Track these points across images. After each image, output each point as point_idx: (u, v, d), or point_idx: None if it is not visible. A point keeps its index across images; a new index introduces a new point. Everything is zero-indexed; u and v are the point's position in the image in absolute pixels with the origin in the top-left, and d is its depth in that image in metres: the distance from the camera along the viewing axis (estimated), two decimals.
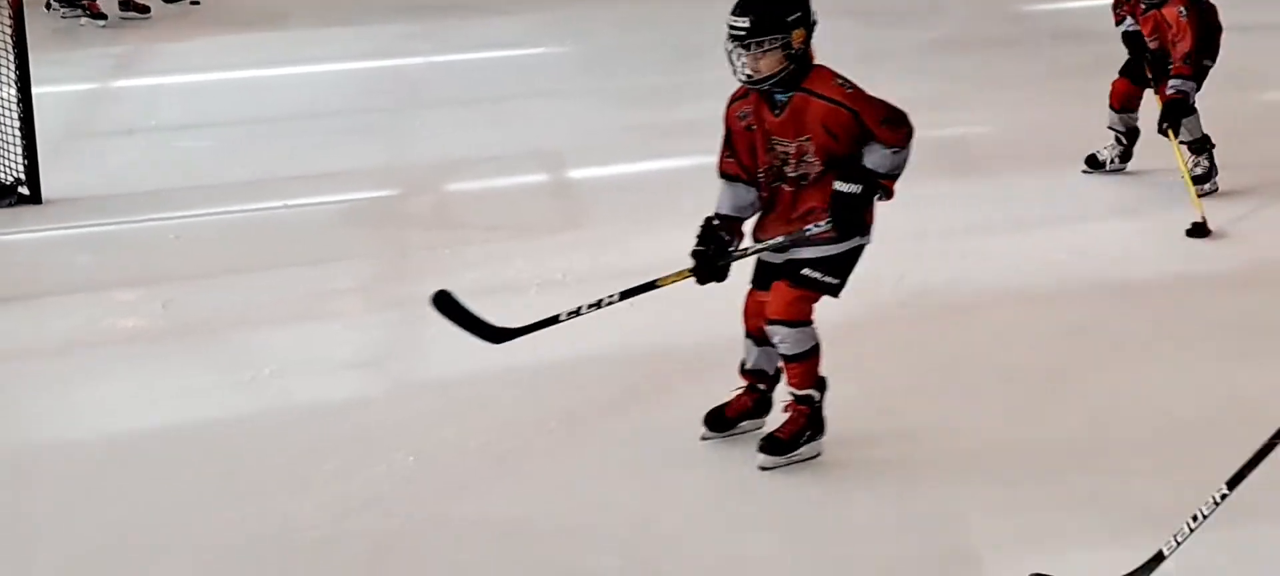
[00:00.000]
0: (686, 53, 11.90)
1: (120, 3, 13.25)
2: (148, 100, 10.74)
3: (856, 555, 4.76)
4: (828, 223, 5.17)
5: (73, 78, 11.10)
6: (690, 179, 8.64)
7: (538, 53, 12.26)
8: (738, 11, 5.21)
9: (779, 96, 5.23)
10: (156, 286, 7.09)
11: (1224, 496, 4.36)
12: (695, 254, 5.32)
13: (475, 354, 6.26)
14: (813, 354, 5.33)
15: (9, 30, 8.20)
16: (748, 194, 5.34)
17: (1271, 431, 4.34)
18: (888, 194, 5.29)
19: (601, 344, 6.34)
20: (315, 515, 5.01)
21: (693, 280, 5.34)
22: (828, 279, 5.27)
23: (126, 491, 5.24)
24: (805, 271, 5.24)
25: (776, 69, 5.17)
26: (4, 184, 8.33)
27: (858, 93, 5.21)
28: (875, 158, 5.16)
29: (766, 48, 5.12)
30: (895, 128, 5.18)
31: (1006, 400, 5.78)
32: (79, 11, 13.02)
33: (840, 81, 5.23)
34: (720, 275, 5.31)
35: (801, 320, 5.28)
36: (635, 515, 4.99)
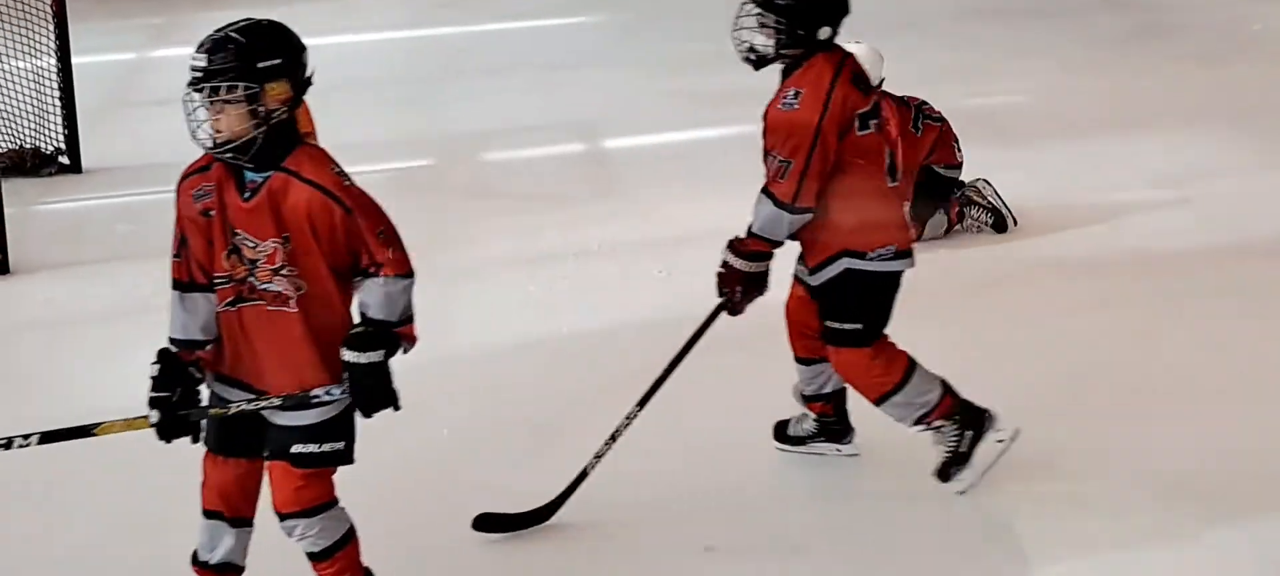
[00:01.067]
0: (725, 20, 11.87)
1: None
2: (184, 68, 10.78)
3: (894, 522, 4.78)
4: (343, 393, 4.01)
5: (112, 47, 11.16)
6: (728, 148, 8.67)
7: (575, 21, 12.26)
8: (199, 47, 3.97)
9: (250, 176, 3.95)
10: None
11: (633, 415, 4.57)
12: (156, 402, 4.07)
13: (508, 327, 6.31)
14: (348, 539, 4.22)
15: (49, 1, 8.24)
16: (211, 307, 4.05)
17: None
18: (410, 344, 4.14)
19: (634, 315, 6.36)
20: (351, 484, 5.04)
21: (154, 434, 4.10)
22: (331, 447, 4.10)
23: (166, 459, 5.27)
24: (297, 450, 4.04)
25: (238, 132, 3.86)
26: (44, 153, 8.38)
27: (359, 191, 4.06)
28: (377, 299, 4.01)
29: (225, 98, 3.84)
30: (397, 248, 4.11)
31: (1040, 371, 5.78)
32: None
33: (337, 170, 4.04)
34: (190, 431, 4.09)
35: (319, 503, 4.14)
36: (670, 486, 5.01)
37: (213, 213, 3.95)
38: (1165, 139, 8.57)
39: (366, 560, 4.29)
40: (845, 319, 4.77)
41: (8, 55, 8.13)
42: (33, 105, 8.31)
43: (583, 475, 4.84)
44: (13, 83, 8.23)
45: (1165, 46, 10.87)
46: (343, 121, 9.33)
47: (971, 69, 10.19)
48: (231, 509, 4.16)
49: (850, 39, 5.04)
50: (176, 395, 4.03)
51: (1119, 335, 6.13)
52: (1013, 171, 8.10)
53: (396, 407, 4.03)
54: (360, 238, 3.95)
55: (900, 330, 6.11)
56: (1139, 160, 8.25)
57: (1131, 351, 5.97)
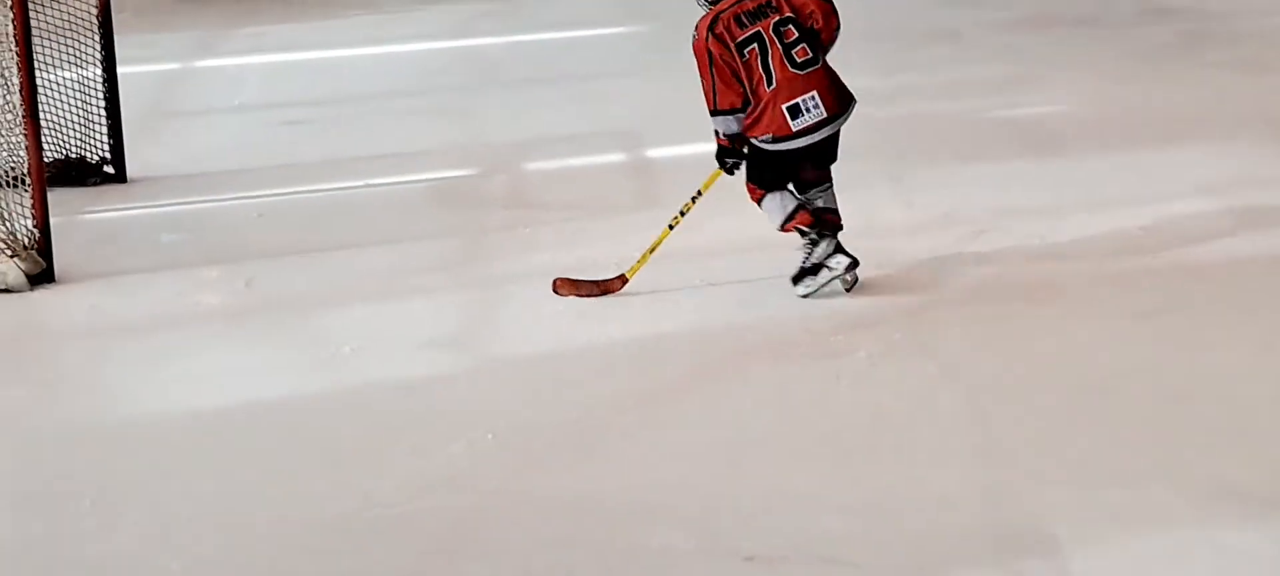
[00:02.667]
0: None
1: None
2: (231, 80, 10.87)
3: (933, 530, 4.77)
4: None
5: (157, 58, 11.24)
6: None
7: (616, 32, 12.30)
8: None
9: None
10: (239, 264, 7.17)
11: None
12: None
13: (552, 333, 6.33)
14: None
15: (96, 11, 8.30)
16: None
17: None
18: None
19: (677, 324, 6.38)
20: (394, 492, 5.07)
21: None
22: None
23: (209, 466, 5.32)
24: None
25: None
26: (90, 163, 8.44)
27: None
28: None
29: None
30: None
31: (1083, 379, 5.76)
32: None
33: None
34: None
35: None
36: (710, 494, 5.01)
37: None
38: (1208, 148, 8.54)
39: (409, 562, 4.29)
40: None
41: (54, 66, 8.19)
42: (78, 115, 8.37)
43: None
44: (59, 93, 8.28)
45: (1207, 56, 10.84)
46: (384, 132, 9.42)
47: (1012, 80, 10.18)
48: None
49: None
50: None
51: (1161, 343, 6.10)
52: (1054, 181, 8.09)
53: None
54: None
55: (942, 334, 6.11)
56: (1181, 169, 8.21)
57: (1174, 359, 5.95)
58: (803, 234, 6.54)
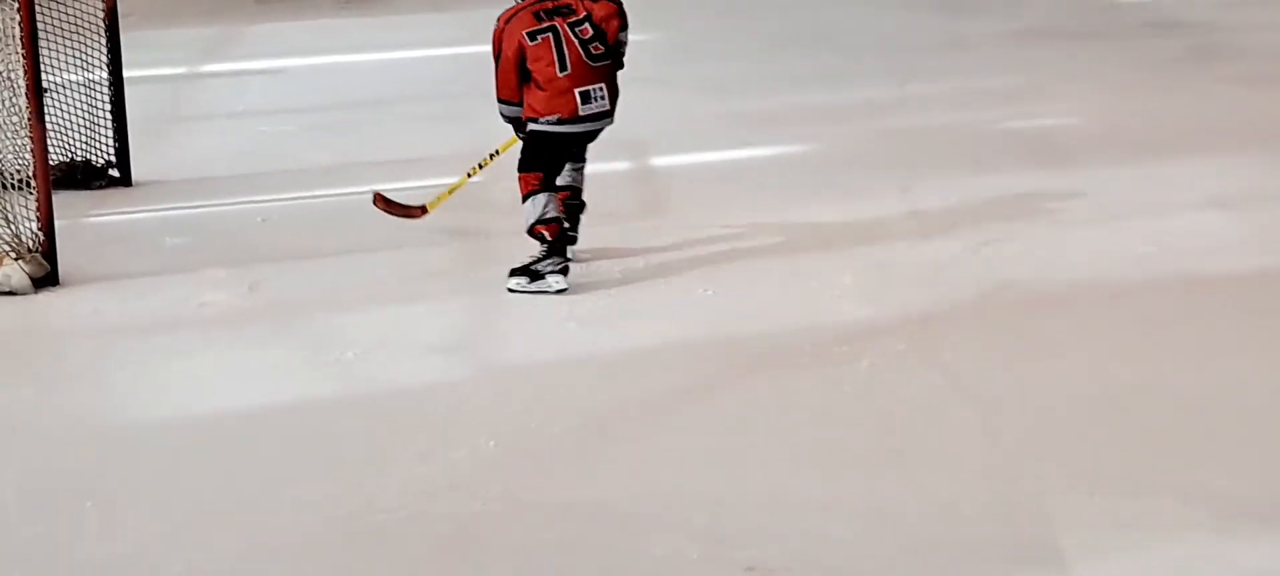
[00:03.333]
0: (773, 41, 11.91)
1: None
2: (236, 84, 10.86)
3: (938, 541, 4.75)
4: None
5: (163, 61, 11.24)
6: (775, 168, 8.68)
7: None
8: None
9: None
10: (244, 268, 7.16)
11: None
12: None
13: (556, 340, 6.31)
14: None
15: (102, 14, 8.29)
16: None
17: None
18: None
19: (681, 333, 6.36)
20: (397, 497, 5.05)
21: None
22: None
23: (213, 469, 5.31)
24: None
25: None
26: (95, 166, 8.43)
27: None
28: None
29: None
30: None
31: (1090, 392, 5.74)
32: None
33: None
34: None
35: None
36: (713, 502, 4.99)
37: None
38: (1217, 160, 8.52)
39: (412, 567, 4.27)
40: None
41: (60, 68, 8.18)
42: (84, 118, 8.36)
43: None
44: (65, 96, 8.28)
45: (1216, 69, 10.82)
46: (391, 136, 9.41)
47: (1022, 92, 10.16)
48: None
49: None
50: None
51: (1171, 354, 6.08)
52: (1062, 193, 8.07)
53: None
54: None
55: (949, 345, 6.09)
56: (1190, 181, 8.19)
57: (1184, 371, 5.93)
58: (542, 241, 6.93)
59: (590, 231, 7.56)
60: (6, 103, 7.16)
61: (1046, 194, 8.05)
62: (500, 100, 7.09)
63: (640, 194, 8.35)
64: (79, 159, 8.41)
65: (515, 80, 6.98)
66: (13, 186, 7.14)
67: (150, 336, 6.48)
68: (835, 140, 9.14)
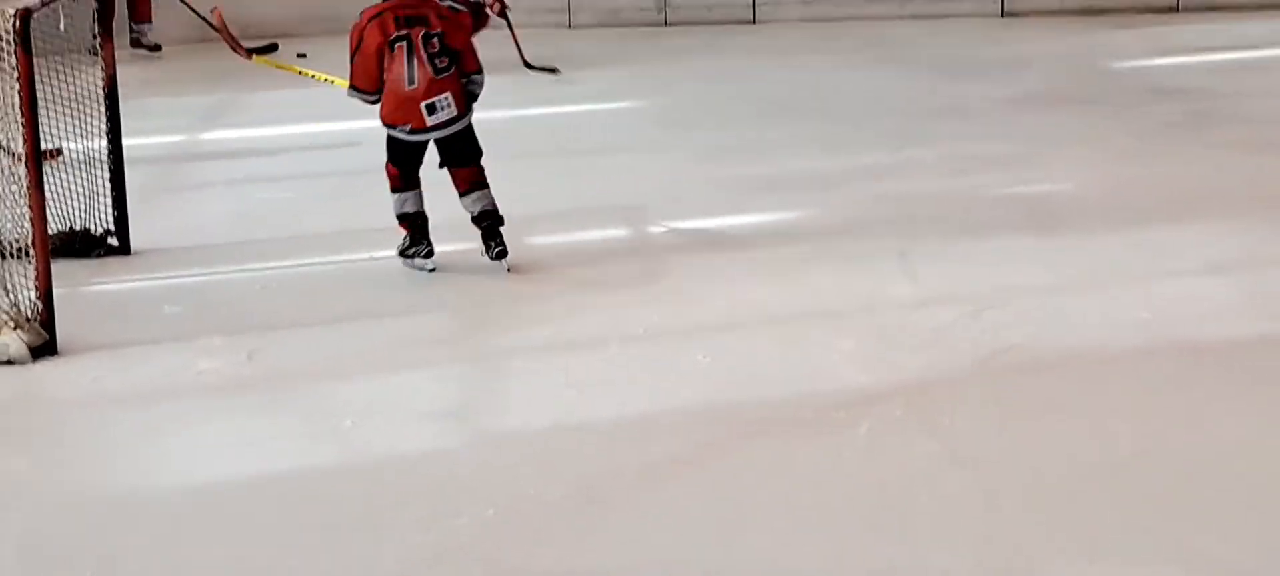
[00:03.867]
0: (769, 108, 11.93)
1: (132, 40, 13.65)
2: (237, 151, 10.88)
3: None
4: None
5: (163, 129, 11.25)
6: (771, 234, 8.68)
7: (619, 107, 12.33)
8: None
9: None
10: (242, 336, 7.16)
11: None
12: None
13: (554, 406, 6.31)
14: None
15: (102, 83, 8.32)
16: None
17: None
18: None
19: (679, 398, 6.36)
20: (395, 566, 5.04)
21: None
22: None
23: (211, 538, 5.30)
24: None
25: None
26: (94, 235, 8.44)
27: None
28: None
29: None
30: None
31: (1089, 458, 5.73)
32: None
33: None
34: None
35: None
36: (712, 569, 4.98)
37: None
38: (1214, 226, 8.53)
39: None
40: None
41: (60, 137, 8.19)
42: (83, 187, 8.37)
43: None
44: (64, 165, 8.29)
45: (1214, 135, 10.84)
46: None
47: (1019, 157, 10.18)
48: None
49: None
50: None
51: (1168, 420, 6.08)
52: (1059, 258, 8.08)
53: None
54: None
55: (945, 411, 6.09)
56: (1188, 247, 8.20)
57: (1181, 437, 5.92)
58: (406, 230, 8.09)
59: (587, 297, 7.59)
60: (6, 171, 7.19)
61: (1044, 259, 8.06)
62: (354, 87, 7.89)
63: (637, 261, 8.35)
64: (78, 227, 8.42)
65: (376, 71, 7.75)
66: (11, 255, 7.14)
67: (149, 405, 6.48)
68: (832, 205, 9.15)
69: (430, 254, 8.01)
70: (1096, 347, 6.84)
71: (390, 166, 7.98)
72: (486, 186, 8.01)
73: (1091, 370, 6.61)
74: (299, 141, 11.24)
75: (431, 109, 7.78)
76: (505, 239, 8.01)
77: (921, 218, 8.81)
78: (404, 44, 7.71)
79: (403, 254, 8.08)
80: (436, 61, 7.75)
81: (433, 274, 7.97)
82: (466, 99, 7.91)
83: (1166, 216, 8.71)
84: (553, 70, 12.93)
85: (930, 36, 14.61)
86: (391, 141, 7.91)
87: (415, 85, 7.72)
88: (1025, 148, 10.44)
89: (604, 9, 15.33)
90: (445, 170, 8.05)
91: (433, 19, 7.79)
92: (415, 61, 7.72)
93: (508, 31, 12.55)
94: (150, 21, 14.08)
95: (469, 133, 7.97)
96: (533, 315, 7.40)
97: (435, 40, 7.75)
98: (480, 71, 8.01)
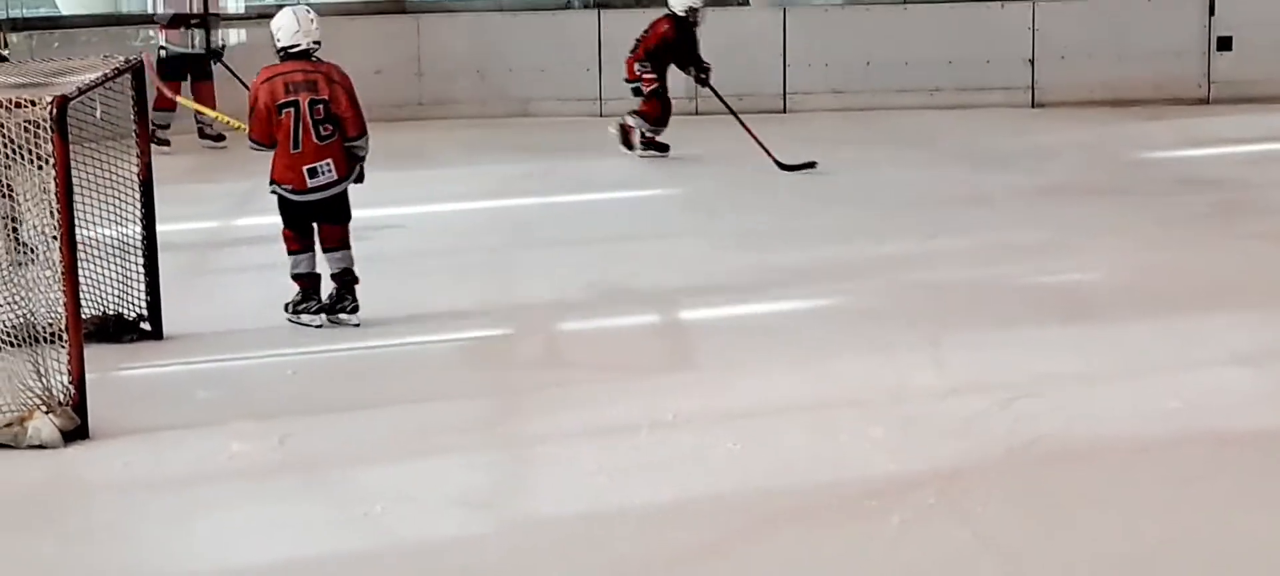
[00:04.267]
0: (799, 195, 11.97)
1: (198, 131, 13.78)
2: (269, 237, 10.92)
3: None
4: None
5: (196, 215, 11.33)
6: (802, 321, 8.70)
7: (650, 194, 12.37)
8: None
9: None
10: (273, 421, 7.18)
11: None
12: None
13: (583, 494, 6.30)
14: None
15: (137, 171, 8.40)
16: None
17: None
18: None
19: (708, 486, 6.35)
20: None
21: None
22: None
23: None
24: None
25: None
26: (127, 320, 8.49)
27: None
28: None
29: None
30: None
31: (1121, 548, 5.71)
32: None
33: None
34: None
35: None
36: None
37: None
38: (1244, 316, 8.51)
39: None
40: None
41: (94, 223, 8.25)
42: (117, 272, 8.43)
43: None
44: (99, 250, 8.35)
45: (1243, 226, 10.83)
46: (422, 291, 9.47)
47: (1047, 246, 10.18)
48: None
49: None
50: None
51: (1199, 511, 6.05)
52: (1089, 347, 8.07)
53: None
54: None
55: (976, 501, 6.07)
56: (1217, 337, 8.18)
57: (1213, 527, 5.89)
58: (299, 287, 8.65)
59: (617, 384, 7.59)
60: (41, 257, 7.24)
61: (1074, 348, 8.05)
62: (252, 140, 8.54)
63: (668, 347, 8.37)
64: (111, 312, 8.48)
65: (267, 127, 8.42)
66: (45, 340, 7.18)
67: (180, 490, 6.49)
68: (862, 293, 9.16)
69: (320, 311, 8.58)
70: (1127, 437, 6.82)
71: (286, 232, 8.56)
72: (349, 247, 8.65)
73: (1122, 460, 6.58)
74: None
75: (312, 172, 8.41)
76: (358, 297, 8.65)
77: (951, 306, 8.81)
78: (292, 110, 8.34)
79: (294, 310, 8.58)
80: (320, 128, 8.38)
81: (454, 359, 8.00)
82: (349, 162, 8.52)
83: (1196, 306, 8.70)
84: (811, 165, 12.78)
85: (960, 125, 14.65)
86: (282, 203, 8.50)
87: (299, 149, 8.37)
88: (1055, 237, 10.44)
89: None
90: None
91: (321, 85, 8.41)
92: (301, 126, 8.35)
93: (746, 133, 12.71)
94: (173, 109, 14.10)
95: (344, 196, 8.58)
96: (563, 400, 7.41)
97: (320, 107, 8.37)
98: (363, 135, 8.55)
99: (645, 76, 13.02)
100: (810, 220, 11.15)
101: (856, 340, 8.22)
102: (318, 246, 8.66)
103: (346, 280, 8.64)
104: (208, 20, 14.25)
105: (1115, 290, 9.21)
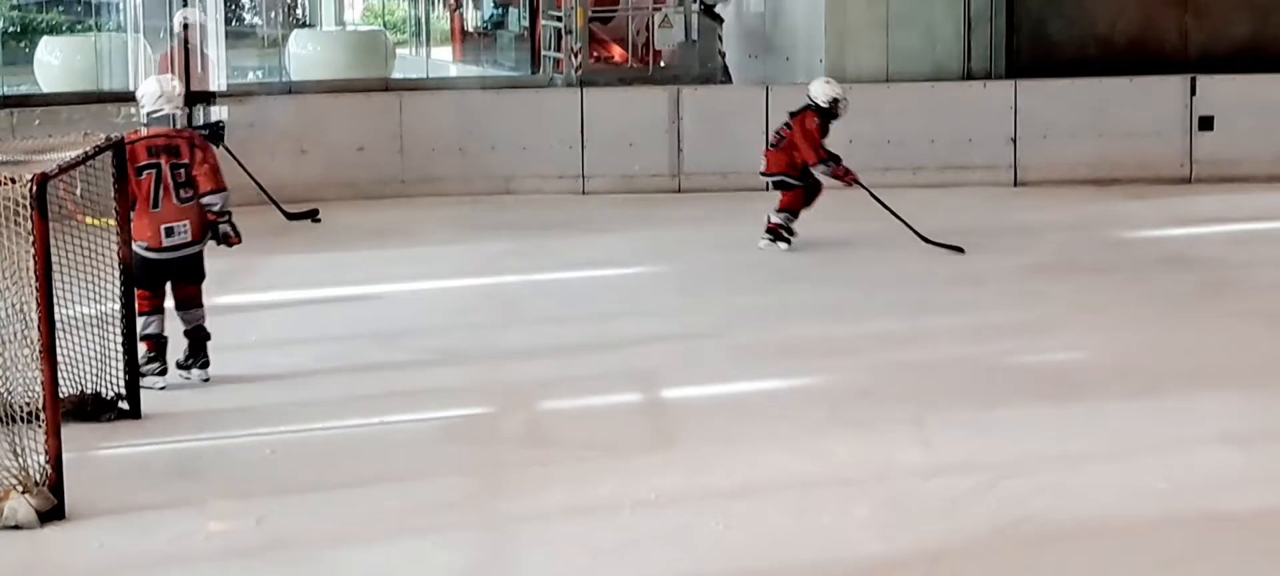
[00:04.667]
0: (783, 275, 11.95)
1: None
2: (249, 315, 10.89)
3: None
4: None
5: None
6: (786, 400, 8.65)
7: (634, 272, 12.35)
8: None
9: None
10: (251, 501, 7.11)
11: None
12: None
13: (567, 574, 6.23)
14: None
15: (117, 250, 8.35)
16: None
17: None
18: None
19: (693, 566, 6.31)
20: None
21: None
22: None
23: None
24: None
25: None
26: (104, 399, 8.42)
27: None
28: None
29: None
30: None
31: None
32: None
33: None
34: None
35: None
36: None
37: None
38: (1230, 396, 8.49)
39: None
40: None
41: (72, 301, 8.21)
42: (95, 351, 8.37)
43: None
44: (77, 328, 8.29)
45: (1229, 305, 10.84)
46: (404, 369, 9.43)
47: (1034, 325, 10.17)
48: None
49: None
50: None
51: None
52: (1075, 427, 8.03)
53: None
54: None
55: None
56: (1204, 417, 8.15)
57: None
58: (148, 348, 8.79)
59: (601, 463, 7.54)
60: (18, 335, 7.17)
61: (1059, 428, 8.01)
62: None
63: (651, 426, 8.32)
64: (89, 391, 8.41)
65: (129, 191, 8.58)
66: (21, 419, 7.11)
67: (156, 571, 6.42)
68: (847, 372, 9.13)
69: (164, 372, 8.85)
70: (1114, 518, 6.77)
71: (140, 292, 8.65)
72: (201, 306, 9.03)
73: (1109, 541, 6.54)
74: (311, 306, 11.25)
75: (170, 232, 8.79)
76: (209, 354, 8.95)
77: (936, 385, 8.78)
78: (153, 172, 8.72)
79: (139, 369, 8.56)
80: (180, 191, 8.79)
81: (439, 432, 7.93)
82: (205, 227, 8.91)
83: (1182, 386, 8.68)
84: (958, 249, 12.68)
85: (942, 204, 14.66)
86: (139, 262, 8.60)
87: (159, 209, 8.75)
88: (1039, 316, 10.43)
89: (618, 175, 15.43)
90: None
91: (183, 150, 8.85)
92: (161, 188, 8.75)
93: (884, 209, 12.61)
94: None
95: (199, 257, 9.00)
96: (545, 479, 7.35)
97: (181, 171, 8.79)
98: (218, 192, 8.89)
99: (836, 170, 12.63)
100: (795, 298, 11.12)
101: (842, 419, 8.18)
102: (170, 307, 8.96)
103: (199, 337, 8.99)
104: (195, 97, 14.22)
105: (1101, 369, 9.18)
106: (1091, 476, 7.30)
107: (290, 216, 13.81)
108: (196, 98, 14.24)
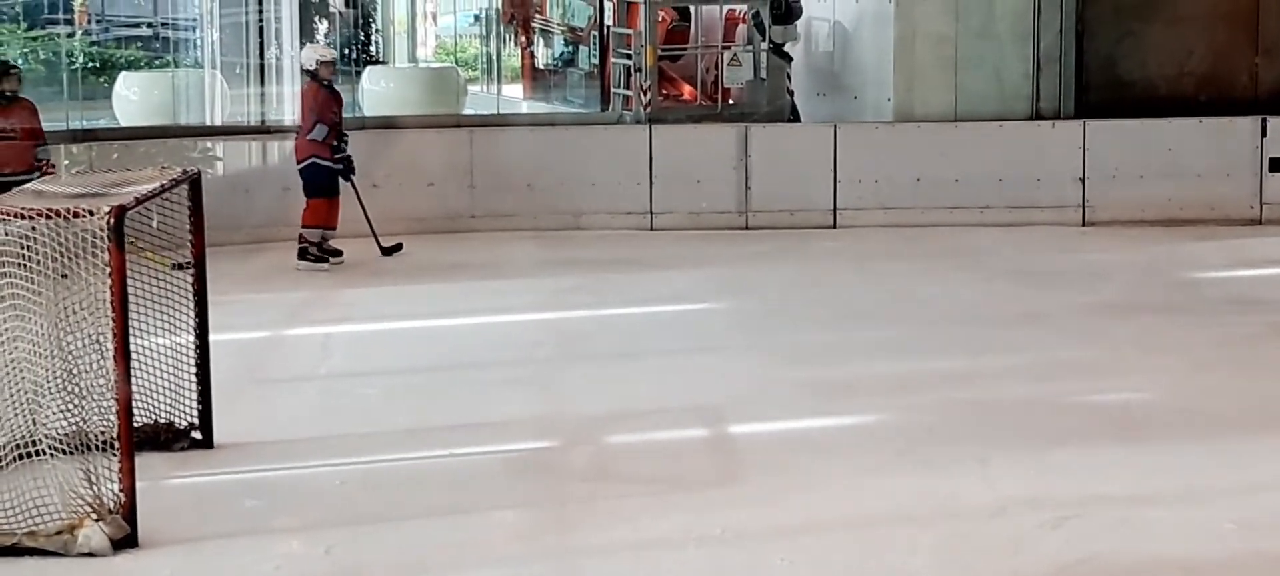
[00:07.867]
0: (849, 312, 11.96)
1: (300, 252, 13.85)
2: (321, 347, 11.01)
3: None
4: None
5: (249, 325, 11.39)
6: (851, 438, 8.67)
7: (699, 308, 12.38)
8: None
9: None
10: (321, 531, 7.19)
11: None
12: None
13: None
14: None
15: (191, 281, 8.46)
16: None
17: None
18: None
19: None
20: None
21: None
22: None
23: None
24: None
25: None
26: (178, 428, 8.52)
27: None
28: None
29: None
30: None
31: None
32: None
33: None
34: None
35: None
36: None
37: None
38: None
39: None
40: None
41: (147, 332, 8.32)
42: (169, 381, 8.48)
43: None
44: (151, 359, 8.40)
45: None
46: (470, 402, 9.49)
47: (1100, 365, 10.14)
48: None
49: None
50: None
51: None
52: (1141, 468, 8.01)
53: None
54: None
55: None
56: (1273, 460, 8.11)
57: None
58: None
59: (666, 498, 7.58)
60: (95, 365, 7.29)
61: (1126, 468, 7.99)
62: None
63: (717, 462, 8.35)
64: (163, 421, 8.52)
65: None
66: (97, 448, 7.23)
67: None
68: (912, 411, 9.13)
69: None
70: (1179, 559, 6.76)
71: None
72: None
73: None
74: (381, 338, 11.35)
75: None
76: None
77: (1001, 423, 8.77)
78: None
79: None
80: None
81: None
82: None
83: (1250, 427, 8.63)
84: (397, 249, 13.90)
85: (1010, 243, 14.64)
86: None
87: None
88: (1106, 355, 10.40)
89: (685, 211, 15.47)
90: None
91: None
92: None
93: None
94: None
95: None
96: (611, 514, 7.39)
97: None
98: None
99: None
100: (861, 336, 11.13)
101: (907, 457, 8.19)
102: None
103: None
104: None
105: (1168, 410, 9.15)
106: (1156, 517, 7.28)
107: (385, 251, 13.97)
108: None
